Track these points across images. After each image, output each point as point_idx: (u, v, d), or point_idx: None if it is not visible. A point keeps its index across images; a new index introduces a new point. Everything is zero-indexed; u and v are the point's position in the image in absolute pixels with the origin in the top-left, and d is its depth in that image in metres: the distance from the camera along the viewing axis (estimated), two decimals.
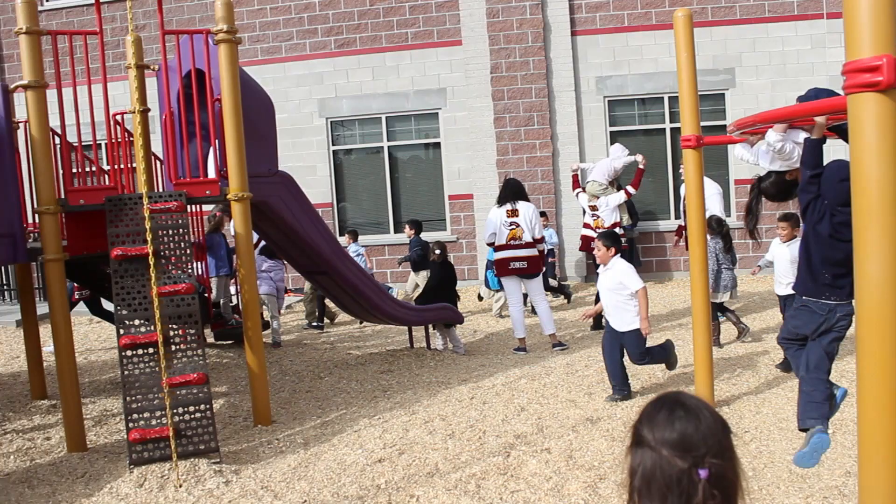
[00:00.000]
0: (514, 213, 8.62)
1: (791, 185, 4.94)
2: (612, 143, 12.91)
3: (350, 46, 14.34)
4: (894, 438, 2.70)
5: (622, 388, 6.55)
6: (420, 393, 7.10)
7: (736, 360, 7.70)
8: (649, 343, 6.84)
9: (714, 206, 8.98)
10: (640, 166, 9.97)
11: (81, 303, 9.60)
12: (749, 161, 5.37)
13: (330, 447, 5.75)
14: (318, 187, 14.39)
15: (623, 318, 6.50)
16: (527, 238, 8.57)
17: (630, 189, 9.75)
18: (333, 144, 14.61)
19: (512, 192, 8.78)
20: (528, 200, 8.82)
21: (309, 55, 14.49)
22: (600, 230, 9.90)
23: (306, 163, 14.45)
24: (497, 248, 8.69)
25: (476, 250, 14.06)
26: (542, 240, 8.78)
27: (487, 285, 11.68)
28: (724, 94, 13.50)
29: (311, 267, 7.88)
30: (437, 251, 9.11)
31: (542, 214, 13.04)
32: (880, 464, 2.73)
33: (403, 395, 7.06)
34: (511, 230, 8.58)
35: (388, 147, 14.42)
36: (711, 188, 9.02)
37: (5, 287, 14.59)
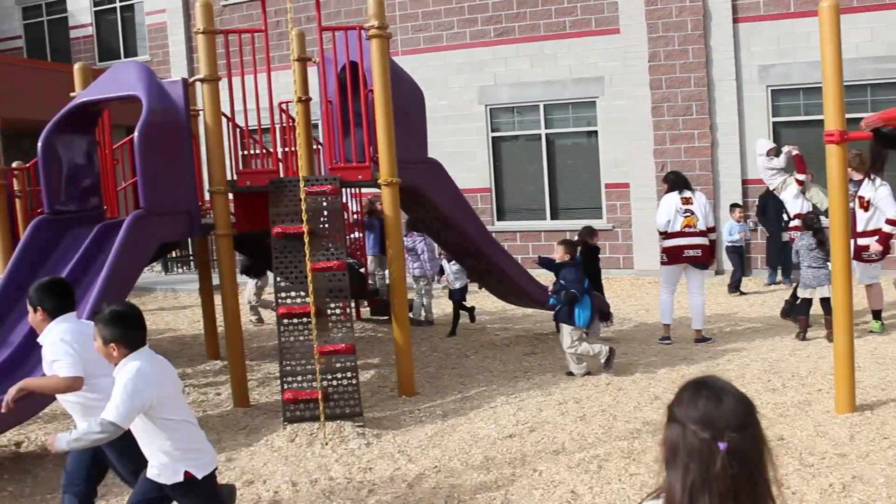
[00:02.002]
0: (688, 200, 8.57)
1: None
2: (774, 135, 12.50)
3: (509, 35, 14.56)
4: None
5: None
6: (559, 376, 7.29)
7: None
8: None
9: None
10: (795, 153, 9.61)
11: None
12: None
13: (466, 420, 6.08)
14: (476, 172, 14.76)
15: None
16: (700, 226, 8.51)
17: (798, 176, 9.43)
18: (492, 131, 14.92)
19: (684, 180, 8.77)
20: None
21: (469, 43, 14.84)
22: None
23: (466, 148, 14.83)
24: (670, 236, 8.62)
25: (631, 239, 13.98)
26: (713, 229, 8.67)
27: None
28: None
29: (459, 249, 8.23)
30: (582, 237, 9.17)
31: None
32: None
33: (542, 377, 7.27)
34: (686, 217, 8.50)
35: (546, 134, 14.56)
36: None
37: (190, 258, 16.19)
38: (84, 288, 6.23)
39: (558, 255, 7.39)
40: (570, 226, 13.72)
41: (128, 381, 3.32)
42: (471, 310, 10.03)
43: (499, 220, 14.89)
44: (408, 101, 7.44)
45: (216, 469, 3.66)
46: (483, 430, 5.82)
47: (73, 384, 3.79)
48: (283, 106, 8.37)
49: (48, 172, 6.87)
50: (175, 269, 16.90)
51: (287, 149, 8.33)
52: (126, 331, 3.43)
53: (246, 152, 7.67)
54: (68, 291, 4.07)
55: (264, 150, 8.57)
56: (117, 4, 20.15)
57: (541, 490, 4.74)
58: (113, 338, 3.39)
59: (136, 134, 6.38)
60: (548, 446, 5.44)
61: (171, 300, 14.01)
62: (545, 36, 14.36)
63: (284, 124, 8.32)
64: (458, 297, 9.55)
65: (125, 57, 19.64)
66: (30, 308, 3.99)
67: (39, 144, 6.81)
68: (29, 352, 5.94)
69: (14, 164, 9.20)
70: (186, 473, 3.47)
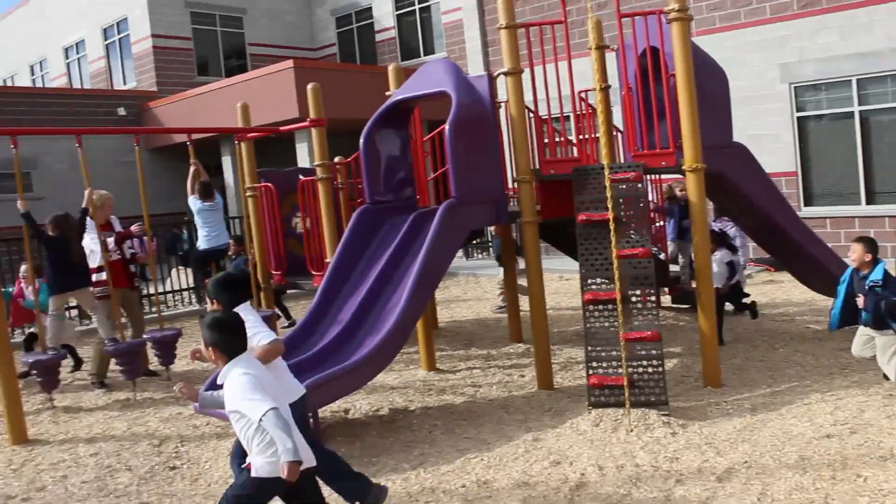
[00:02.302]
0: None
1: None
2: None
3: (814, 6, 13.51)
4: None
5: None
6: (882, 374, 6.70)
7: None
8: None
9: None
10: None
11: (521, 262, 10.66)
12: None
13: (777, 416, 5.81)
14: (781, 156, 13.92)
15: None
16: None
17: None
18: (797, 111, 13.96)
19: None
20: None
21: (769, 19, 13.98)
22: None
23: (768, 131, 14.02)
24: None
25: None
26: None
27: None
28: None
29: (764, 236, 7.86)
30: None
31: None
32: None
33: (863, 375, 6.72)
34: None
35: (860, 112, 13.35)
36: None
37: (489, 244, 17.03)
38: (402, 272, 6.76)
39: (856, 255, 6.15)
40: (888, 211, 12.55)
41: (240, 380, 3.53)
42: (751, 306, 9.29)
43: (806, 205, 13.93)
44: (711, 84, 7.20)
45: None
46: (796, 428, 5.52)
47: (277, 346, 4.19)
48: (583, 94, 8.45)
49: (369, 166, 7.49)
50: (475, 254, 17.81)
51: (583, 136, 8.41)
52: (223, 336, 3.66)
53: (547, 141, 7.86)
54: (241, 285, 4.45)
55: (565, 139, 8.72)
56: (416, 6, 21.49)
57: (867, 498, 4.40)
58: (212, 342, 3.66)
59: (447, 127, 6.78)
60: (872, 451, 5.04)
61: (472, 284, 14.80)
62: (857, 3, 13.14)
63: (583, 112, 8.40)
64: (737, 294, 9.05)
65: (424, 55, 20.91)
66: (208, 301, 4.42)
67: (361, 140, 7.44)
68: (355, 330, 6.56)
69: (336, 160, 10.15)
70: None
